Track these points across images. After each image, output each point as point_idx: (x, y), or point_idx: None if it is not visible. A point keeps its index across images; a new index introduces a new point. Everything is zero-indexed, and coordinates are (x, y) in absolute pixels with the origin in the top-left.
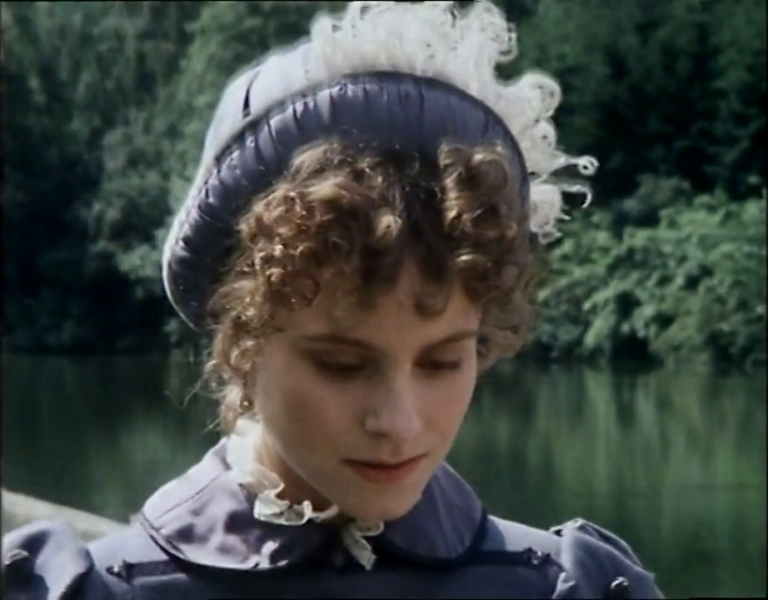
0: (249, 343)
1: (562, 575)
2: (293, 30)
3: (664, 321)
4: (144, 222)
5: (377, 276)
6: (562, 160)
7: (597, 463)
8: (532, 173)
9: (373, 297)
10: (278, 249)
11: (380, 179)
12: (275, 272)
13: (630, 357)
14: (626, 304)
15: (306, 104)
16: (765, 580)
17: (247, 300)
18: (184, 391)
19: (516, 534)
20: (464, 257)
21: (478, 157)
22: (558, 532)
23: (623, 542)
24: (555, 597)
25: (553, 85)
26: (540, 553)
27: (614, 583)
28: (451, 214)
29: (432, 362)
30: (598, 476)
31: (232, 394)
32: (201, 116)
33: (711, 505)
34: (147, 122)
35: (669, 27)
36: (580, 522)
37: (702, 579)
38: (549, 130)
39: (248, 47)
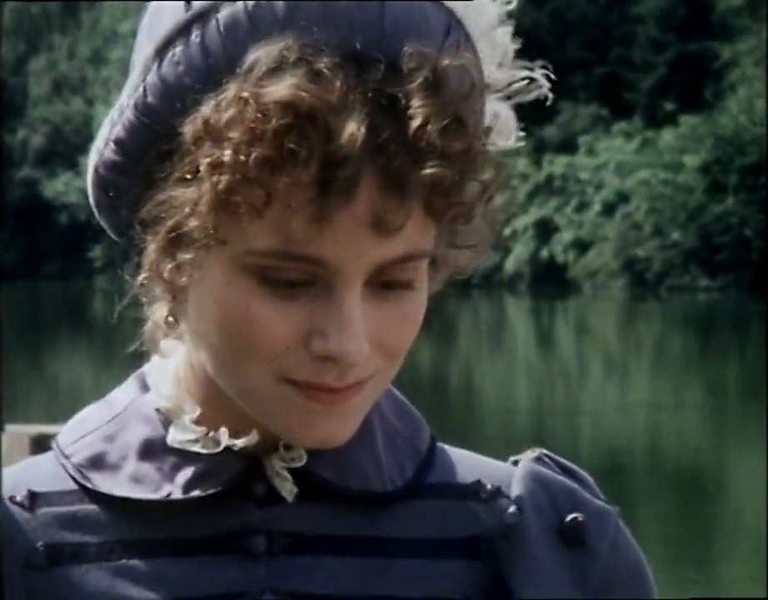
0: (186, 256)
1: (511, 508)
2: None
3: (582, 247)
4: (68, 148)
5: (334, 188)
6: (521, 73)
7: (517, 386)
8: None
9: (329, 211)
10: (228, 154)
11: (339, 82)
12: (223, 179)
13: (549, 282)
14: (545, 230)
15: None
16: (765, 580)
17: (188, 209)
18: (109, 315)
19: (467, 465)
20: (428, 171)
21: (445, 61)
22: (516, 463)
23: (584, 474)
24: (501, 532)
25: None
26: (489, 486)
27: (568, 518)
28: (416, 123)
29: (384, 283)
30: (518, 398)
31: (159, 312)
32: (126, 42)
33: (627, 424)
34: (71, 48)
35: None
36: (537, 452)
37: (618, 492)
38: (507, 39)
39: None
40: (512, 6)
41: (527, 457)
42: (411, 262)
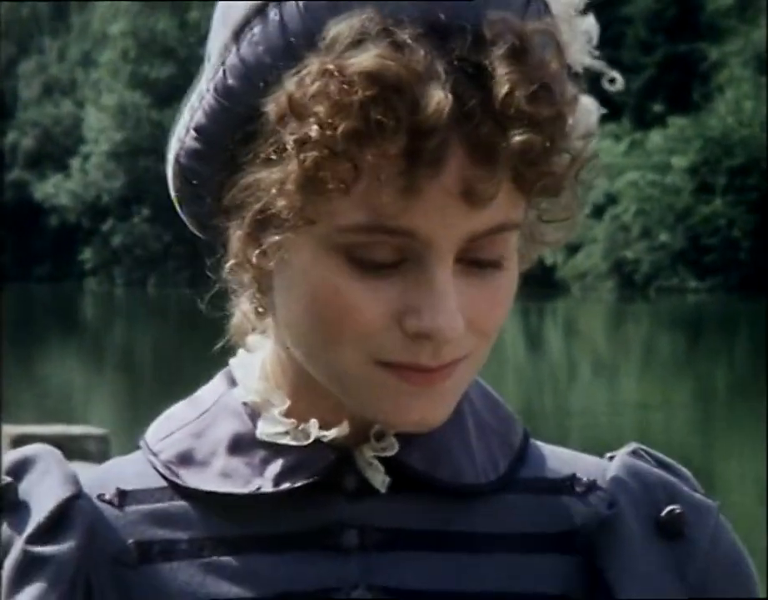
0: (274, 238)
1: (606, 502)
2: None
3: (571, 248)
4: (58, 150)
5: (423, 158)
6: (599, 63)
7: (507, 387)
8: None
9: (418, 182)
10: (314, 129)
11: (423, 52)
12: (310, 155)
13: (538, 284)
14: None
15: None
16: (765, 580)
17: (275, 190)
18: (98, 316)
19: (561, 460)
20: (518, 138)
21: (529, 27)
22: (612, 458)
23: (683, 469)
24: (597, 525)
25: None
26: (585, 480)
27: (665, 510)
28: (503, 90)
29: (474, 261)
30: (508, 398)
31: (243, 306)
32: (116, 44)
33: (616, 424)
34: (61, 50)
35: None
36: (633, 446)
37: None
38: (592, 25)
39: None
40: None
41: (623, 451)
42: (500, 234)
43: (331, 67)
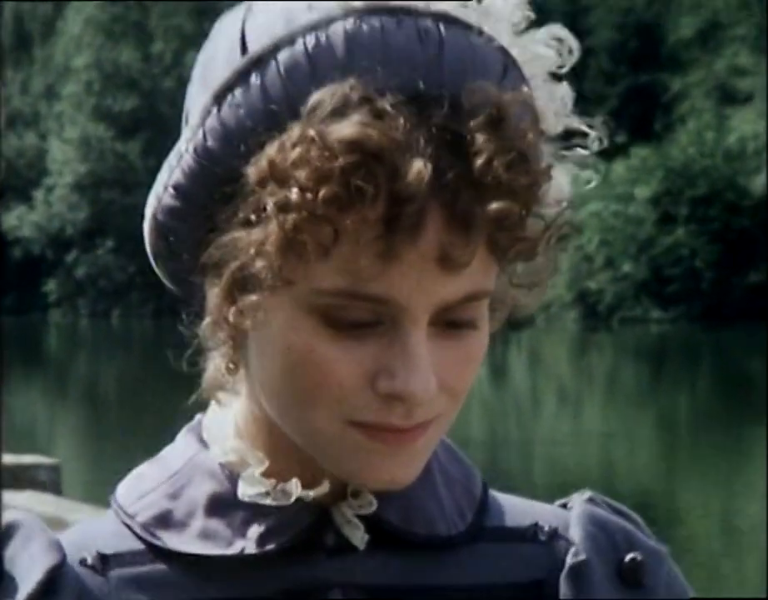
0: (252, 298)
1: (572, 550)
2: None
3: None
4: (22, 182)
5: (402, 225)
6: (575, 122)
7: (472, 417)
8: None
9: (396, 248)
10: (295, 193)
11: (403, 120)
12: (290, 218)
13: None
14: None
15: (317, 38)
16: (765, 580)
17: (253, 250)
18: (62, 349)
19: (519, 509)
20: (494, 206)
21: (507, 97)
22: (564, 506)
23: (635, 515)
24: (564, 574)
25: (572, 40)
26: (547, 528)
27: (627, 558)
28: (481, 160)
29: (448, 322)
30: (472, 429)
31: (217, 360)
32: (79, 77)
33: (580, 454)
34: (24, 82)
35: None
36: (588, 494)
37: None
38: (567, 91)
39: (125, 9)
40: (574, 59)
41: (580, 499)
42: (474, 302)
43: (312, 133)
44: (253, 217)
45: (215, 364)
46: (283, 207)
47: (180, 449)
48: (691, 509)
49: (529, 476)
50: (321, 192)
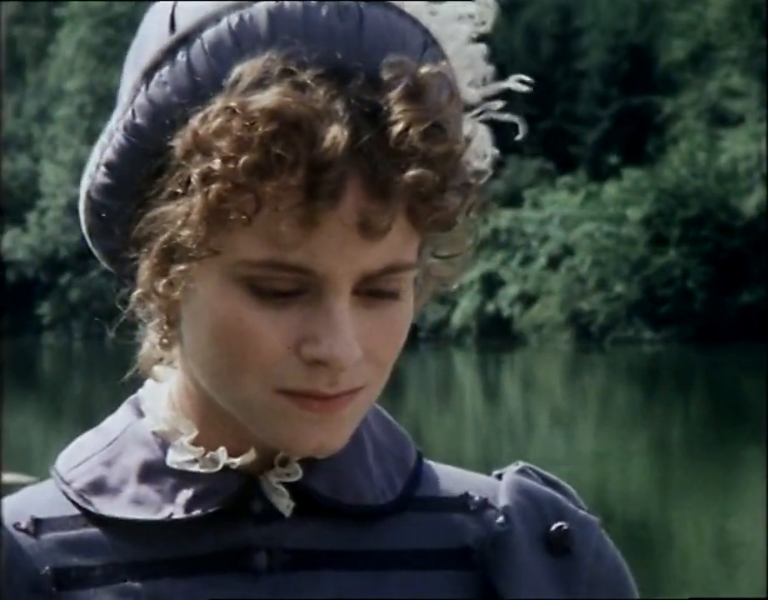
0: (180, 268)
1: (499, 519)
2: None
3: (527, 300)
4: (15, 205)
5: (321, 191)
6: (492, 87)
7: (465, 438)
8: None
9: (316, 214)
10: (217, 163)
11: (322, 92)
12: (213, 188)
13: (496, 336)
14: (491, 284)
15: (241, 16)
16: (765, 580)
17: (180, 222)
18: (56, 371)
19: (453, 479)
20: (411, 172)
21: (424, 69)
22: (500, 477)
23: (567, 486)
24: (490, 541)
25: (487, 10)
26: (477, 498)
27: (554, 527)
28: (398, 128)
29: (371, 292)
30: (466, 450)
31: (152, 336)
32: (72, 100)
33: (573, 473)
34: (17, 106)
35: (533, 9)
36: (521, 465)
37: None
38: (481, 59)
39: (117, 32)
40: (486, 27)
41: (512, 469)
42: (396, 274)
43: (233, 104)
44: (180, 189)
45: (149, 340)
46: (206, 178)
47: (118, 419)
48: (685, 529)
49: None
50: (242, 161)
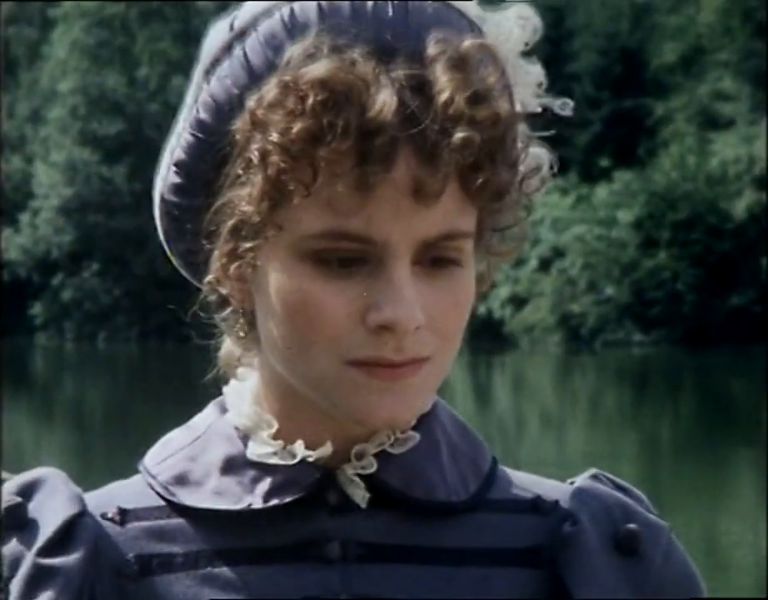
0: (247, 245)
1: (569, 520)
2: (156, 15)
3: (518, 302)
4: (8, 206)
5: (373, 156)
6: (547, 100)
7: None
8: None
9: (370, 179)
10: (274, 137)
11: (371, 66)
12: (272, 162)
13: (486, 338)
14: None
15: (292, 8)
16: (755, 580)
17: (245, 203)
18: (48, 371)
19: (526, 483)
20: (459, 135)
21: (467, 43)
22: (573, 484)
23: (637, 492)
24: (560, 540)
25: (537, 19)
26: (548, 501)
27: (623, 528)
28: (443, 96)
29: (431, 260)
30: None
31: (228, 339)
32: (65, 101)
33: (564, 475)
34: (10, 106)
35: None
36: (593, 471)
37: None
38: (536, 68)
39: (111, 33)
40: (537, 37)
41: (584, 476)
42: (453, 241)
43: (287, 78)
44: (242, 172)
45: (228, 341)
46: (264, 153)
47: (204, 417)
48: (675, 529)
49: None
50: (295, 129)
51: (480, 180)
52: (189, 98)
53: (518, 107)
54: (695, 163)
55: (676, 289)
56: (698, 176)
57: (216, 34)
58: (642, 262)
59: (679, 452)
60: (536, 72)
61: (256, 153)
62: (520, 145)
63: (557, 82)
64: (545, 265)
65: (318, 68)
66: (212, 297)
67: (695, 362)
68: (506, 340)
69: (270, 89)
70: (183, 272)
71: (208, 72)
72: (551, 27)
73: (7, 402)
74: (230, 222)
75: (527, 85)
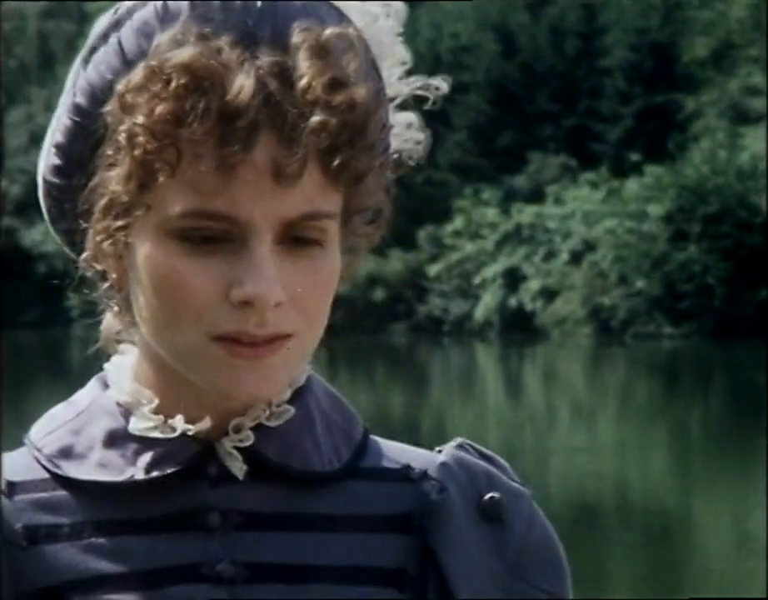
0: (118, 223)
1: (437, 489)
2: None
3: (549, 295)
4: None
5: (233, 138)
6: (418, 83)
7: (488, 431)
8: (392, 99)
9: (231, 160)
10: (140, 118)
11: (234, 54)
12: (138, 142)
13: (518, 330)
14: (514, 279)
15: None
16: (765, 580)
17: (115, 183)
18: (85, 361)
19: (396, 452)
20: (315, 118)
21: (328, 31)
22: (441, 452)
23: (501, 460)
24: (426, 509)
25: (400, 4)
26: (417, 470)
27: (486, 496)
28: (303, 82)
29: (293, 240)
30: (488, 442)
31: (108, 315)
32: None
33: (594, 465)
34: (48, 100)
35: (557, 6)
36: (459, 440)
37: (589, 529)
38: (405, 54)
39: None
40: (401, 18)
41: (451, 445)
42: (315, 221)
43: (153, 63)
44: (112, 153)
45: (107, 317)
46: (131, 135)
47: (86, 392)
48: (704, 519)
49: (545, 487)
50: (158, 111)
51: (337, 162)
52: (68, 84)
53: (389, 92)
54: (725, 158)
55: (706, 282)
56: (728, 170)
57: (98, 24)
58: (673, 255)
59: (708, 441)
60: (402, 55)
61: (124, 135)
62: (383, 128)
63: (589, 78)
64: (576, 258)
65: (183, 54)
66: (89, 274)
67: (724, 355)
68: (538, 332)
69: (137, 73)
70: (67, 251)
71: (86, 60)
72: (583, 22)
73: (45, 393)
74: (101, 202)
75: (395, 69)
